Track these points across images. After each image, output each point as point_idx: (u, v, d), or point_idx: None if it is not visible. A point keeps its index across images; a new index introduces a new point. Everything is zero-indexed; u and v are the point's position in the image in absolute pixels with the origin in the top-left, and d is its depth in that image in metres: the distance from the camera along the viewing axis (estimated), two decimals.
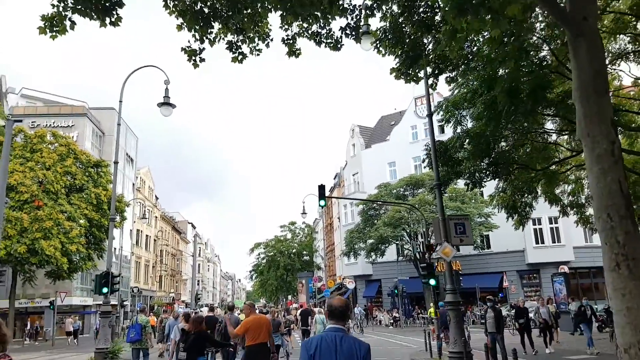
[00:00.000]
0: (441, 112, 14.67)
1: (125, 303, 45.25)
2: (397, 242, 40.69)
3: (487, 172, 16.34)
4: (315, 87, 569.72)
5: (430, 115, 14.49)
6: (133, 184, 59.81)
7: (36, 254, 28.22)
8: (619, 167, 5.18)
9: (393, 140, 48.31)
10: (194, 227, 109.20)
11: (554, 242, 37.67)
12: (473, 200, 35.66)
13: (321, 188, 17.47)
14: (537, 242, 37.88)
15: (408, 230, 36.18)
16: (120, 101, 19.58)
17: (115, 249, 48.30)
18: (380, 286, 46.45)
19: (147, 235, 67.05)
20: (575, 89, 5.58)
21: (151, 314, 32.99)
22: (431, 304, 35.21)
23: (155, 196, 76.05)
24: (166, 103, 18.91)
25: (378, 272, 46.04)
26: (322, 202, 17.63)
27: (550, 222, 37.28)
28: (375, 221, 38.55)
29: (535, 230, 37.51)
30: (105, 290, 17.66)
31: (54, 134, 34.03)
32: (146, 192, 68.10)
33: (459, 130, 14.71)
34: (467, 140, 13.78)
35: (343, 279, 51.74)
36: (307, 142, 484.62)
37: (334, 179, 68.04)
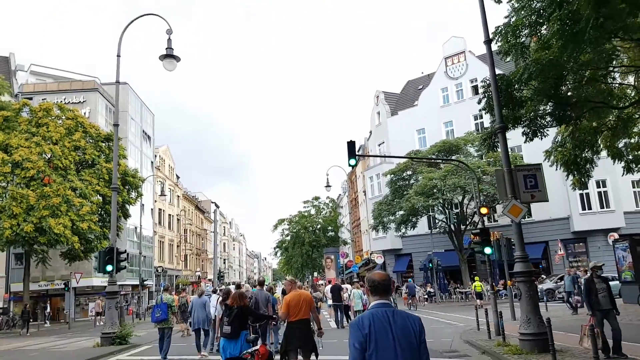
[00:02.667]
0: (499, 41, 11.85)
1: (146, 283, 43.69)
2: (430, 214, 38.06)
3: (553, 116, 13.61)
4: (337, 58, 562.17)
5: (488, 42, 11.68)
6: (152, 162, 58.08)
7: (44, 233, 26.36)
8: None
9: (422, 105, 45.22)
10: (217, 206, 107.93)
11: (602, 207, 34.56)
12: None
13: (351, 144, 14.93)
14: (583, 208, 34.78)
15: (441, 200, 33.40)
16: (118, 55, 17.21)
17: (135, 228, 46.86)
18: (411, 260, 43.98)
19: (169, 215, 65.70)
20: None
21: (174, 293, 31.47)
22: (475, 277, 32.88)
23: (177, 175, 74.52)
24: (169, 55, 16.67)
25: (408, 246, 43.53)
26: (353, 161, 15.06)
27: (598, 186, 34.15)
28: (405, 192, 35.91)
29: (581, 195, 34.43)
30: (109, 268, 15.62)
31: (60, 107, 32.03)
32: (166, 171, 66.53)
33: (521, 63, 11.90)
34: (535, 73, 11.02)
35: (370, 254, 49.40)
36: (329, 116, 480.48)
37: (358, 151, 65.30)
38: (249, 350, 7.46)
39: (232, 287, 18.74)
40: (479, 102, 13.40)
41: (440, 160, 32.09)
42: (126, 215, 33.82)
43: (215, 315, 11.71)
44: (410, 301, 29.06)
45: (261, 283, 13.05)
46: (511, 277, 32.17)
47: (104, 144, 32.63)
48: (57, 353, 15.10)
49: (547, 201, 11.45)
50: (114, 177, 16.83)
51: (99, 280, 40.87)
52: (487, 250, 14.04)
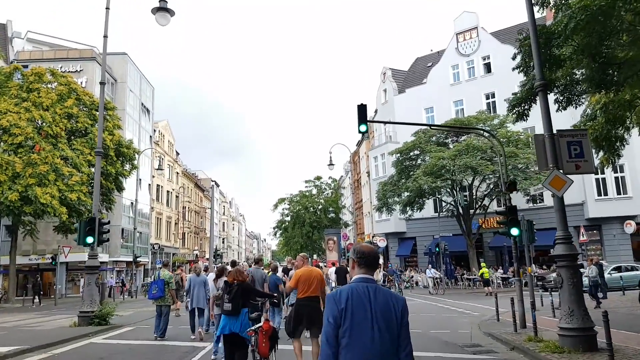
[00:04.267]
0: None
1: (140, 259, 42.29)
2: (437, 197, 36.47)
3: (592, 81, 11.93)
4: (343, 35, 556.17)
5: None
6: (150, 137, 56.39)
7: (30, 202, 24.81)
8: None
9: (431, 83, 43.34)
10: (217, 185, 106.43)
11: (619, 194, 32.95)
12: (528, 147, 30.97)
13: (362, 108, 13.12)
14: (599, 194, 33.16)
15: (450, 182, 31.72)
16: (107, 8, 15.51)
17: (132, 203, 45.39)
18: (415, 244, 42.52)
19: (168, 191, 64.23)
20: None
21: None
22: (482, 264, 31.44)
23: (176, 151, 72.88)
24: (162, 8, 14.98)
25: (413, 229, 42.04)
26: (363, 127, 13.27)
27: (615, 171, 32.43)
28: (412, 172, 34.27)
29: (597, 180, 32.79)
30: (90, 240, 14.09)
31: (53, 72, 30.23)
32: (165, 147, 64.89)
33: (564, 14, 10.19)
34: (582, 22, 9.33)
35: (373, 237, 47.98)
36: (333, 95, 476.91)
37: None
38: (253, 328, 7.30)
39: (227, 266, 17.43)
40: (514, 57, 11.74)
41: (463, 129, 30.11)
42: (120, 188, 32.28)
43: (211, 295, 10.76)
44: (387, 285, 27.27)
45: (257, 261, 11.62)
46: (535, 263, 30.71)
47: (97, 112, 30.92)
48: (27, 332, 13.66)
49: (594, 172, 9.89)
50: (99, 141, 15.25)
51: None
52: (514, 231, 12.41)
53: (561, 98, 13.00)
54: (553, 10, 11.37)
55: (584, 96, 13.31)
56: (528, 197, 32.09)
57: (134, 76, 51.63)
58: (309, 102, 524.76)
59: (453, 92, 41.49)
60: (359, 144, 63.69)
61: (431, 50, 49.03)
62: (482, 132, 23.10)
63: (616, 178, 32.93)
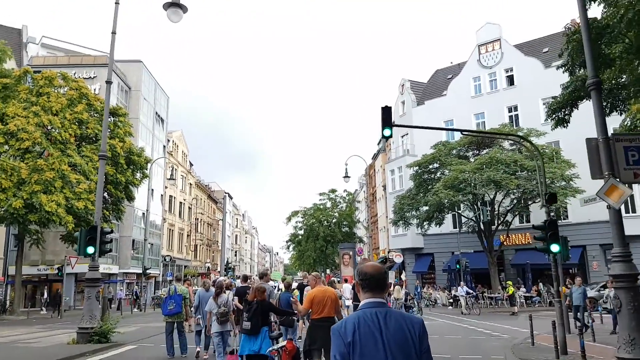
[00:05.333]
0: None
1: (150, 271, 41.34)
2: (456, 212, 35.13)
3: None
4: (360, 47, 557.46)
5: None
6: (164, 146, 55.78)
7: (35, 210, 23.98)
8: None
9: (450, 95, 42.18)
10: (230, 197, 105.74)
11: None
12: (552, 161, 29.61)
13: (386, 111, 11.99)
14: (627, 211, 31.56)
15: (471, 196, 30.38)
16: (117, 2, 14.71)
17: (143, 213, 44.65)
18: (433, 261, 41.07)
19: (180, 202, 63.55)
20: None
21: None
22: (508, 282, 29.94)
23: (190, 162, 72.29)
24: (174, 3, 14.15)
25: (430, 245, 40.63)
26: (387, 131, 12.02)
27: None
28: (431, 186, 33.05)
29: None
30: (90, 250, 13.09)
31: (64, 76, 29.62)
32: (179, 157, 64.32)
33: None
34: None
35: (388, 252, 46.58)
36: (349, 108, 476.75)
37: (378, 144, 62.37)
38: (276, 347, 7.02)
39: (237, 282, 16.51)
40: (560, 54, 10.60)
41: (496, 136, 28.65)
42: (130, 197, 31.44)
43: (207, 311, 9.86)
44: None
45: (262, 276, 10.60)
46: (542, 282, 28.78)
47: (109, 119, 30.22)
48: (20, 349, 12.65)
49: None
50: (103, 143, 14.23)
51: (101, 267, 38.36)
52: (555, 247, 11.15)
53: (604, 103, 11.83)
54: (602, 5, 10.24)
55: (632, 100, 12.12)
56: (553, 214, 30.62)
57: (148, 84, 51.20)
58: (324, 113, 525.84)
59: (474, 104, 40.27)
60: (375, 157, 62.56)
61: (451, 63, 47.96)
62: (519, 139, 21.84)
63: None
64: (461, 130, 24.90)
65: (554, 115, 11.57)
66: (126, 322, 21.39)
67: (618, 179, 8.04)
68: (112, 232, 15.27)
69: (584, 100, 11.41)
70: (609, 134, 8.27)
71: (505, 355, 11.32)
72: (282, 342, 7.20)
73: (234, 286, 12.90)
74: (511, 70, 39.10)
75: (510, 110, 38.38)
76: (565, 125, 11.77)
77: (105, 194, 29.57)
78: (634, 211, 31.59)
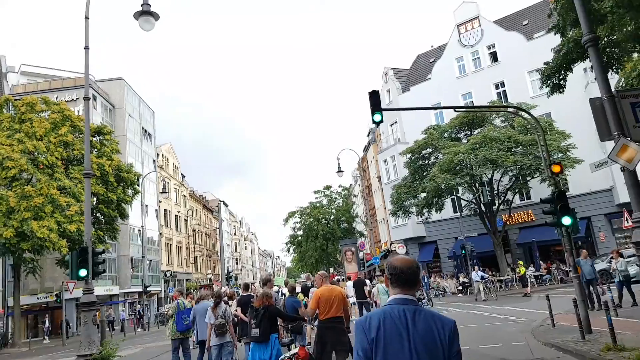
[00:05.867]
0: None
1: (150, 289, 40.71)
2: (455, 196, 34.75)
3: (637, 39, 10.34)
4: (343, 42, 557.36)
5: None
6: (154, 161, 55.09)
7: (27, 238, 23.36)
8: None
9: (435, 78, 41.75)
10: (225, 205, 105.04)
11: None
12: (546, 133, 29.22)
13: (374, 95, 11.41)
14: None
15: (468, 178, 29.93)
16: (87, 18, 14.16)
17: (139, 230, 43.97)
18: (437, 249, 40.64)
19: (176, 215, 62.88)
20: None
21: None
22: (519, 262, 29.53)
23: (182, 174, 71.60)
24: (146, 12, 13.68)
25: (433, 232, 40.22)
26: (378, 116, 11.43)
27: None
28: (426, 172, 32.62)
29: None
30: (83, 272, 12.51)
31: (45, 100, 29.02)
32: (170, 170, 63.63)
33: None
34: None
35: (390, 244, 46.11)
36: (337, 103, 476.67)
37: (367, 135, 61.90)
38: (288, 355, 6.83)
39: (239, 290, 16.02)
40: (549, 14, 10.14)
41: (495, 109, 28.30)
42: (123, 215, 30.83)
43: (207, 323, 9.50)
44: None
45: (266, 282, 10.13)
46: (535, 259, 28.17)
47: (94, 138, 29.61)
48: None
49: None
50: (86, 161, 13.64)
51: (101, 289, 37.88)
52: (566, 220, 10.68)
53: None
54: None
55: (625, 58, 11.70)
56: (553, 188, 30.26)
57: (132, 101, 50.58)
58: (312, 110, 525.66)
59: (460, 85, 39.88)
60: (366, 149, 62.07)
61: (432, 46, 47.53)
62: (515, 110, 21.44)
63: None
64: (454, 108, 24.38)
65: (548, 82, 11.13)
66: (129, 343, 20.86)
67: (629, 138, 7.59)
68: (104, 252, 14.73)
69: (579, 62, 10.98)
70: (614, 92, 7.82)
71: (527, 340, 10.85)
72: (295, 349, 6.94)
73: (237, 296, 12.40)
74: (493, 46, 38.74)
75: (497, 87, 38.03)
76: (561, 91, 11.34)
77: (98, 214, 28.98)
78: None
